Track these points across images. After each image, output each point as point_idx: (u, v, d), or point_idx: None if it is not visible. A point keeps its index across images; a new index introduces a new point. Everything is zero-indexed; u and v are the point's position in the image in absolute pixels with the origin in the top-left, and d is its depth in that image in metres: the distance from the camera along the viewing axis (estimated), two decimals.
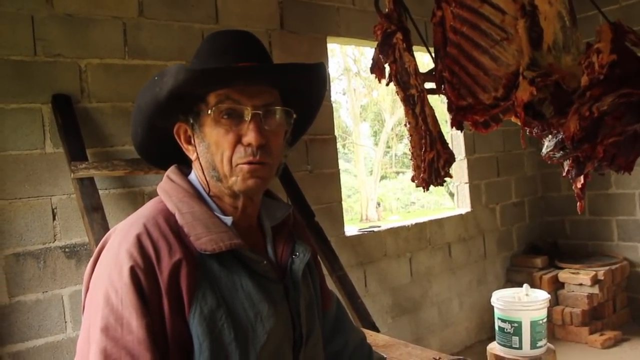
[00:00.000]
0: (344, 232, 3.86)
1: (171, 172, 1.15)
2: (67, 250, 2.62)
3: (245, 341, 1.02)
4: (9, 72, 2.51)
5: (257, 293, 1.06)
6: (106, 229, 2.40)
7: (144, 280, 0.96)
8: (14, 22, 2.53)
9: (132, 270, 0.96)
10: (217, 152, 1.06)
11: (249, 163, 1.06)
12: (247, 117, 1.05)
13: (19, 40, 2.54)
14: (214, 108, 1.05)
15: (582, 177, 2.10)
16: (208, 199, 1.11)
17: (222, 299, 1.01)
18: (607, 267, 4.73)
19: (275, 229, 1.21)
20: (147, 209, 1.09)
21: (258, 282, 1.07)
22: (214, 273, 1.02)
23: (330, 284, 2.98)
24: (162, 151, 1.20)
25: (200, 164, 1.10)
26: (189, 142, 1.12)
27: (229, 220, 1.08)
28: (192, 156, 1.12)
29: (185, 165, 1.17)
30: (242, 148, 1.05)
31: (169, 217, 1.05)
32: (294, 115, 1.13)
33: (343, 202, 3.92)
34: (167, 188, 1.12)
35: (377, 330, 2.92)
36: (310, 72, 1.16)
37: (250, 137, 1.04)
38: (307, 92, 1.20)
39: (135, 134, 1.18)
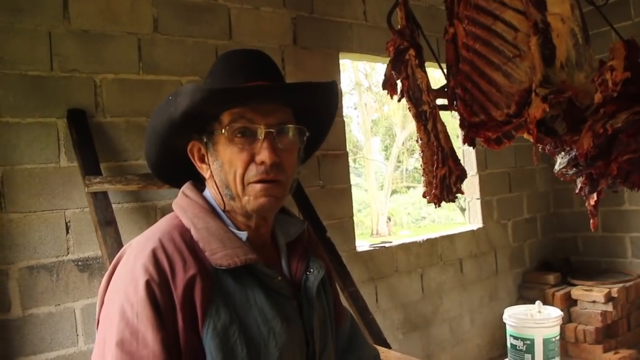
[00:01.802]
0: (355, 248, 3.85)
1: (186, 188, 1.16)
2: (80, 263, 2.64)
3: (257, 357, 1.02)
4: (26, 87, 2.55)
5: (270, 309, 1.06)
6: (119, 242, 2.42)
7: (159, 294, 0.96)
8: (32, 38, 2.57)
9: (148, 285, 0.96)
10: (230, 170, 1.07)
11: (261, 181, 1.06)
12: (261, 136, 1.06)
13: (36, 55, 2.58)
14: (227, 127, 1.06)
15: (595, 194, 2.10)
16: (223, 214, 1.12)
17: (235, 314, 1.02)
18: (620, 285, 4.67)
19: (289, 246, 1.22)
20: (162, 224, 1.10)
21: (272, 298, 1.07)
22: (228, 288, 1.03)
23: (342, 300, 2.97)
24: (176, 169, 1.21)
25: (214, 182, 1.11)
26: (202, 161, 1.13)
27: (244, 235, 1.09)
28: (206, 174, 1.13)
29: (199, 182, 1.18)
30: (255, 166, 1.06)
31: (185, 232, 1.06)
32: (307, 133, 1.14)
33: (354, 217, 3.91)
34: (182, 204, 1.12)
35: (389, 347, 2.90)
36: (324, 90, 1.16)
37: (263, 155, 1.05)
38: (319, 109, 1.21)
39: (149, 154, 1.19)
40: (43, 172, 2.57)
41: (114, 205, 2.59)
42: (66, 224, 2.62)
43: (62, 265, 2.59)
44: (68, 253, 2.61)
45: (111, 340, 0.96)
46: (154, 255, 1.00)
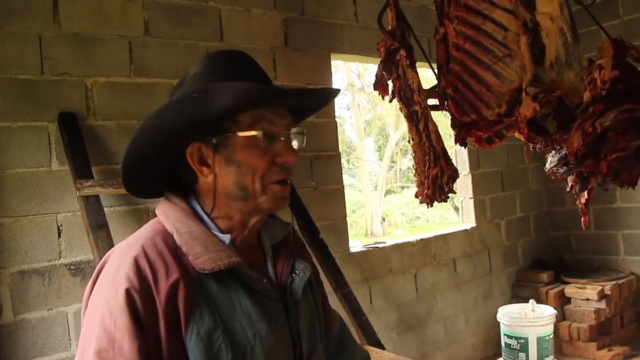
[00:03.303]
0: (348, 249, 3.85)
1: (170, 193, 1.15)
2: (72, 267, 2.63)
3: None
4: (17, 90, 2.54)
5: (256, 312, 1.05)
6: (111, 246, 2.40)
7: (139, 302, 0.96)
8: (23, 41, 2.56)
9: (128, 293, 0.96)
10: (249, 171, 1.07)
11: (281, 183, 1.09)
12: (282, 137, 1.09)
13: (26, 59, 2.57)
14: (251, 128, 1.06)
15: (586, 193, 2.11)
16: (206, 218, 1.11)
17: (219, 318, 1.01)
18: (614, 282, 4.70)
19: (275, 248, 1.22)
20: (145, 230, 1.09)
21: (257, 301, 1.07)
22: (212, 292, 1.02)
23: (336, 301, 2.97)
24: (149, 176, 1.17)
25: (215, 185, 1.09)
26: (202, 163, 1.09)
27: (226, 238, 1.08)
28: (207, 177, 1.09)
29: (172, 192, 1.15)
30: (276, 167, 1.08)
31: (167, 237, 1.05)
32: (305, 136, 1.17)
33: (347, 217, 3.91)
34: (165, 208, 1.12)
35: (383, 348, 2.90)
36: (333, 96, 1.22)
37: (287, 156, 1.08)
38: (310, 110, 1.25)
39: (135, 155, 1.11)
40: (34, 176, 2.56)
41: (105, 209, 2.58)
42: (58, 228, 2.61)
43: (54, 270, 2.58)
44: (60, 257, 2.60)
45: (90, 349, 0.95)
46: (136, 262, 0.99)
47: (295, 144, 1.12)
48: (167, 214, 1.10)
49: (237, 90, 1.02)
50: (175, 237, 1.05)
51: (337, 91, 1.22)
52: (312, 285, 1.27)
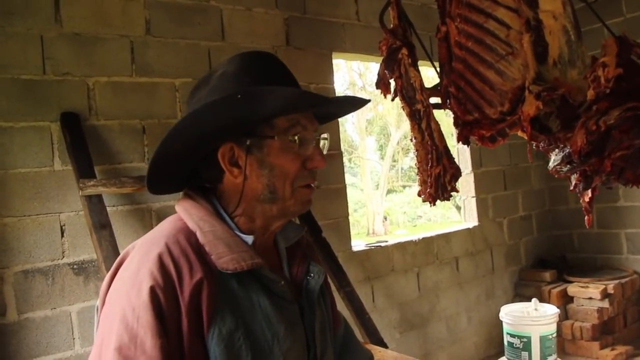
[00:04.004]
0: (351, 248, 3.85)
1: (190, 191, 1.14)
2: (75, 267, 2.63)
3: None
4: (19, 91, 2.54)
5: (274, 314, 1.05)
6: (114, 245, 2.41)
7: (163, 300, 0.95)
8: (24, 42, 2.57)
9: (152, 290, 0.94)
10: (282, 176, 1.08)
11: (309, 187, 1.12)
12: (314, 143, 1.11)
13: (28, 59, 2.57)
14: (286, 133, 1.07)
15: (589, 191, 2.10)
16: (228, 218, 1.11)
17: (241, 319, 1.00)
18: (616, 281, 4.69)
19: (288, 250, 1.22)
20: (167, 227, 1.08)
21: (275, 303, 1.06)
22: (234, 293, 1.02)
23: (338, 299, 2.97)
24: (171, 174, 1.16)
25: (243, 186, 1.08)
26: (232, 164, 1.09)
27: (249, 239, 1.08)
28: (237, 178, 1.08)
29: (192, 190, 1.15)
30: (306, 171, 1.10)
31: (190, 236, 1.04)
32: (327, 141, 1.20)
33: (349, 217, 3.91)
34: (187, 206, 1.10)
35: (385, 346, 2.90)
36: (364, 105, 1.26)
37: (318, 161, 1.11)
38: (336, 116, 1.31)
39: (166, 151, 1.08)
40: (37, 175, 2.56)
41: (108, 208, 2.58)
42: (61, 227, 2.61)
43: (58, 269, 2.58)
44: (63, 256, 2.60)
45: (109, 344, 0.94)
46: (160, 260, 0.98)
47: (325, 148, 1.16)
48: (189, 212, 1.08)
49: (286, 95, 1.03)
50: (198, 235, 1.04)
51: (367, 101, 1.25)
52: (322, 288, 1.27)
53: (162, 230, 1.07)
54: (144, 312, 0.93)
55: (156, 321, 0.93)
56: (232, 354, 0.98)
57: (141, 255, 1.01)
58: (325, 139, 1.17)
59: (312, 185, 1.13)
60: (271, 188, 1.08)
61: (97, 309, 1.06)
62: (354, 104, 1.25)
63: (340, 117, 1.34)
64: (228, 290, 1.01)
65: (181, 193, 1.16)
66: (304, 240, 1.27)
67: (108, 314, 0.99)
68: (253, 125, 1.06)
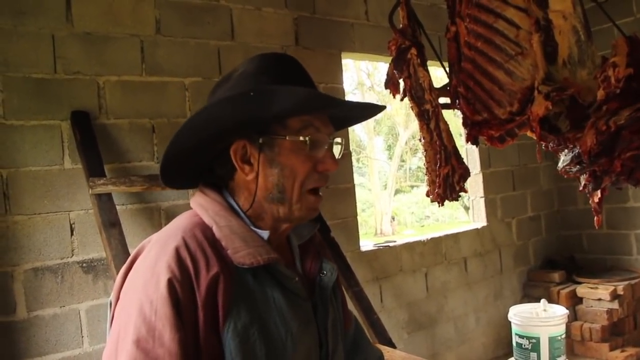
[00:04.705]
0: (359, 247, 3.85)
1: (204, 187, 1.15)
2: (84, 265, 2.64)
3: (275, 358, 1.01)
4: (30, 89, 2.56)
5: (288, 310, 1.06)
6: (124, 244, 2.42)
7: (181, 293, 0.95)
8: (36, 41, 2.58)
9: (170, 283, 0.95)
10: (291, 176, 1.08)
11: (315, 193, 1.11)
12: (326, 146, 1.11)
13: (40, 58, 2.59)
14: (299, 134, 1.07)
15: (599, 192, 2.09)
16: (242, 214, 1.11)
17: (256, 314, 1.01)
18: (626, 282, 4.65)
19: (301, 247, 1.22)
20: (183, 222, 1.08)
21: (289, 299, 1.07)
22: (249, 287, 1.02)
23: (347, 299, 2.97)
24: (186, 169, 1.17)
25: (256, 183, 1.09)
26: (244, 161, 1.10)
27: (265, 234, 1.09)
28: (248, 175, 1.09)
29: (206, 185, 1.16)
30: (316, 174, 1.10)
31: (206, 230, 1.05)
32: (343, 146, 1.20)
33: (358, 217, 3.91)
34: (202, 202, 1.11)
35: (394, 346, 2.90)
36: (379, 112, 1.26)
37: (329, 164, 1.11)
38: (352, 122, 1.31)
39: (178, 146, 1.09)
40: (47, 174, 2.58)
41: (118, 207, 2.60)
42: (71, 225, 2.63)
43: (67, 267, 2.60)
44: (73, 255, 2.62)
45: (126, 337, 0.94)
46: (178, 253, 0.99)
47: (338, 151, 1.16)
48: (204, 207, 1.09)
49: (299, 94, 1.03)
50: (215, 230, 1.05)
51: (383, 107, 1.25)
52: (334, 286, 1.28)
53: (179, 225, 1.07)
54: (161, 305, 0.94)
55: (174, 314, 0.93)
56: (247, 348, 0.98)
57: (158, 249, 1.01)
58: (340, 143, 1.17)
59: (320, 193, 1.13)
60: (280, 188, 1.08)
61: (110, 304, 1.07)
62: (369, 109, 1.24)
63: (356, 123, 1.32)
64: (244, 285, 1.02)
65: (190, 191, 1.18)
66: (317, 238, 1.27)
67: (124, 307, 1.00)
68: (266, 123, 1.07)
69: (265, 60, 1.14)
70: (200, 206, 1.10)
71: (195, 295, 0.96)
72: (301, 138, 1.07)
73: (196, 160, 1.14)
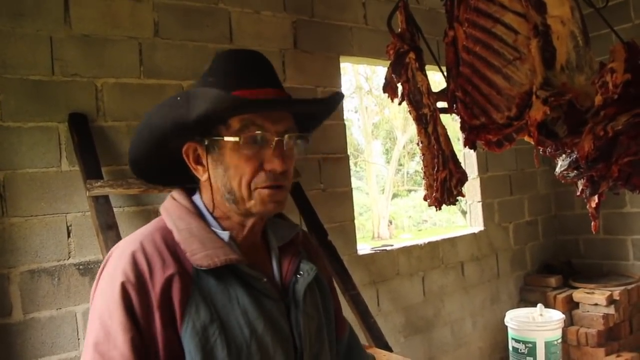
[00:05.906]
0: (356, 251, 3.85)
1: (175, 192, 1.17)
2: (81, 267, 2.64)
3: (237, 357, 1.02)
4: (28, 91, 2.55)
5: (254, 310, 1.06)
6: None
7: (134, 296, 0.98)
8: (34, 42, 2.58)
9: (123, 286, 0.98)
10: (236, 176, 1.07)
11: (268, 187, 1.07)
12: (272, 144, 1.07)
13: (37, 60, 2.59)
14: (239, 134, 1.05)
15: (596, 197, 2.09)
16: (209, 216, 1.13)
17: (216, 314, 1.02)
18: (622, 287, 4.66)
19: (282, 249, 1.22)
20: (147, 227, 1.11)
21: (256, 300, 1.07)
22: (210, 288, 1.03)
23: (344, 303, 2.97)
24: (162, 168, 1.20)
25: (210, 184, 1.11)
26: (198, 162, 1.12)
27: (225, 235, 1.09)
28: (202, 177, 1.12)
29: (191, 182, 1.18)
30: (264, 173, 1.07)
31: (167, 234, 1.07)
32: (310, 140, 1.16)
33: (355, 220, 3.91)
34: (167, 206, 1.14)
35: (390, 350, 2.90)
36: (334, 103, 1.19)
37: (275, 163, 1.06)
38: (320, 116, 1.25)
39: (137, 151, 1.16)
40: (44, 176, 2.58)
41: (115, 209, 2.59)
42: (67, 228, 2.62)
43: (64, 269, 2.59)
44: (69, 257, 2.61)
45: (88, 340, 0.99)
46: (133, 257, 1.02)
47: (291, 149, 1.11)
48: (169, 212, 1.12)
49: (209, 97, 1.02)
50: (175, 233, 1.07)
51: (326, 100, 1.19)
52: (322, 290, 1.27)
53: (142, 231, 1.10)
54: (115, 309, 0.97)
55: (126, 317, 0.97)
56: (207, 348, 0.99)
57: (118, 255, 1.05)
58: (300, 138, 1.12)
59: (276, 186, 1.08)
60: (228, 188, 1.09)
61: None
62: (313, 104, 1.23)
63: (321, 117, 1.25)
64: (204, 286, 1.03)
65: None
66: (299, 239, 1.26)
67: (91, 313, 1.04)
68: (211, 125, 1.07)
69: (219, 59, 1.15)
70: (166, 210, 1.13)
71: (150, 296, 0.99)
72: (235, 138, 1.05)
73: (161, 162, 1.17)
